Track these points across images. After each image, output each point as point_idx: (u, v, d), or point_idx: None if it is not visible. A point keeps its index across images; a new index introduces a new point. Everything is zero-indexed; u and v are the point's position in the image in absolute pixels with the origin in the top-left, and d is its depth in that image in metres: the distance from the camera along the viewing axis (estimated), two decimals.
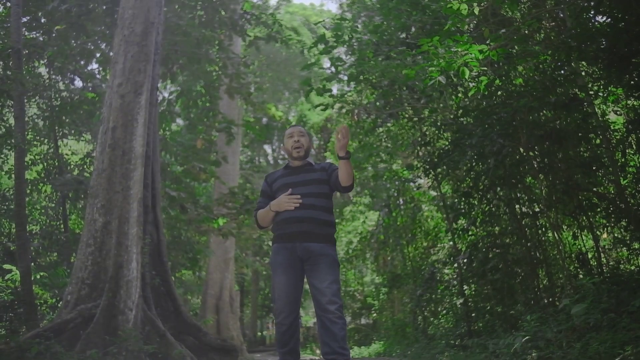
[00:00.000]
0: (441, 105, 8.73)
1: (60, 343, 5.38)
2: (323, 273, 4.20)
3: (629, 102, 7.39)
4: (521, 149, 6.93)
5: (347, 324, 4.29)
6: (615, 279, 5.70)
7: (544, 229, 8.30)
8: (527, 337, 4.40)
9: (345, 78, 8.48)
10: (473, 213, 8.71)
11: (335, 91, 11.57)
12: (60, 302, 9.41)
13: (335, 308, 4.11)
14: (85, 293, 6.57)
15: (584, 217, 7.80)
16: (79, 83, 15.71)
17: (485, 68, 5.40)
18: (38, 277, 11.24)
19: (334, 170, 4.48)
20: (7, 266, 11.20)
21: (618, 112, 7.97)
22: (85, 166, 13.65)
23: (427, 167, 9.47)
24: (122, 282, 6.34)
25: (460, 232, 9.26)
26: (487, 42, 5.25)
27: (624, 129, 7.64)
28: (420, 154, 10.04)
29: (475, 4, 4.89)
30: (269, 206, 4.37)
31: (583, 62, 6.87)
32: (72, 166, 13.79)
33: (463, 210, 9.00)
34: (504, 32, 5.33)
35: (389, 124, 10.32)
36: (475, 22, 6.81)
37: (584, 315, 4.07)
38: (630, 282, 4.85)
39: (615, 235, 7.99)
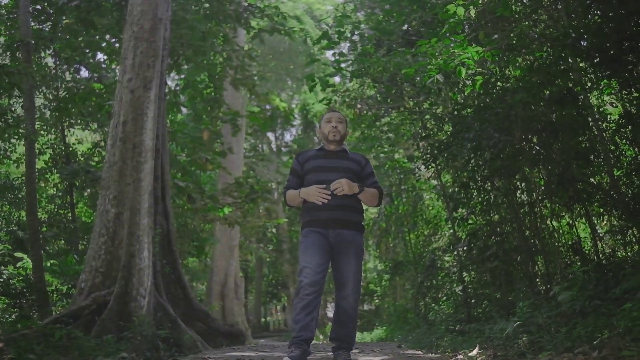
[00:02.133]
0: (442, 95, 8.95)
1: (76, 329, 5.65)
2: (351, 261, 4.42)
3: (623, 94, 7.58)
4: (516, 144, 7.14)
5: (357, 314, 4.51)
6: (608, 267, 5.94)
7: (541, 218, 8.52)
8: (518, 323, 4.67)
9: (349, 74, 8.71)
10: (472, 202, 8.93)
11: (338, 80, 11.82)
12: (72, 290, 9.71)
13: (354, 299, 4.39)
14: (99, 281, 6.85)
15: (581, 207, 8.02)
16: (84, 73, 15.92)
17: (481, 69, 5.62)
18: (48, 264, 11.53)
19: (367, 175, 4.66)
20: (18, 254, 11.49)
21: (614, 105, 8.16)
22: (93, 156, 13.91)
23: (428, 157, 9.69)
24: (134, 271, 6.62)
25: (460, 221, 9.48)
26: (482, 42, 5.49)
27: (619, 120, 7.82)
28: (421, 144, 10.26)
29: (471, 7, 5.10)
30: (299, 192, 4.53)
31: (578, 58, 7.07)
32: (79, 156, 14.04)
33: (463, 200, 9.21)
34: (497, 37, 5.54)
35: (392, 114, 10.54)
36: (473, 16, 7.02)
37: (571, 302, 4.32)
38: (618, 270, 5.10)
39: (613, 223, 8.20)
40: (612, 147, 7.72)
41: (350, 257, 4.44)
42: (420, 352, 5.79)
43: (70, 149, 14.02)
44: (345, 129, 4.70)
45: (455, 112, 8.32)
